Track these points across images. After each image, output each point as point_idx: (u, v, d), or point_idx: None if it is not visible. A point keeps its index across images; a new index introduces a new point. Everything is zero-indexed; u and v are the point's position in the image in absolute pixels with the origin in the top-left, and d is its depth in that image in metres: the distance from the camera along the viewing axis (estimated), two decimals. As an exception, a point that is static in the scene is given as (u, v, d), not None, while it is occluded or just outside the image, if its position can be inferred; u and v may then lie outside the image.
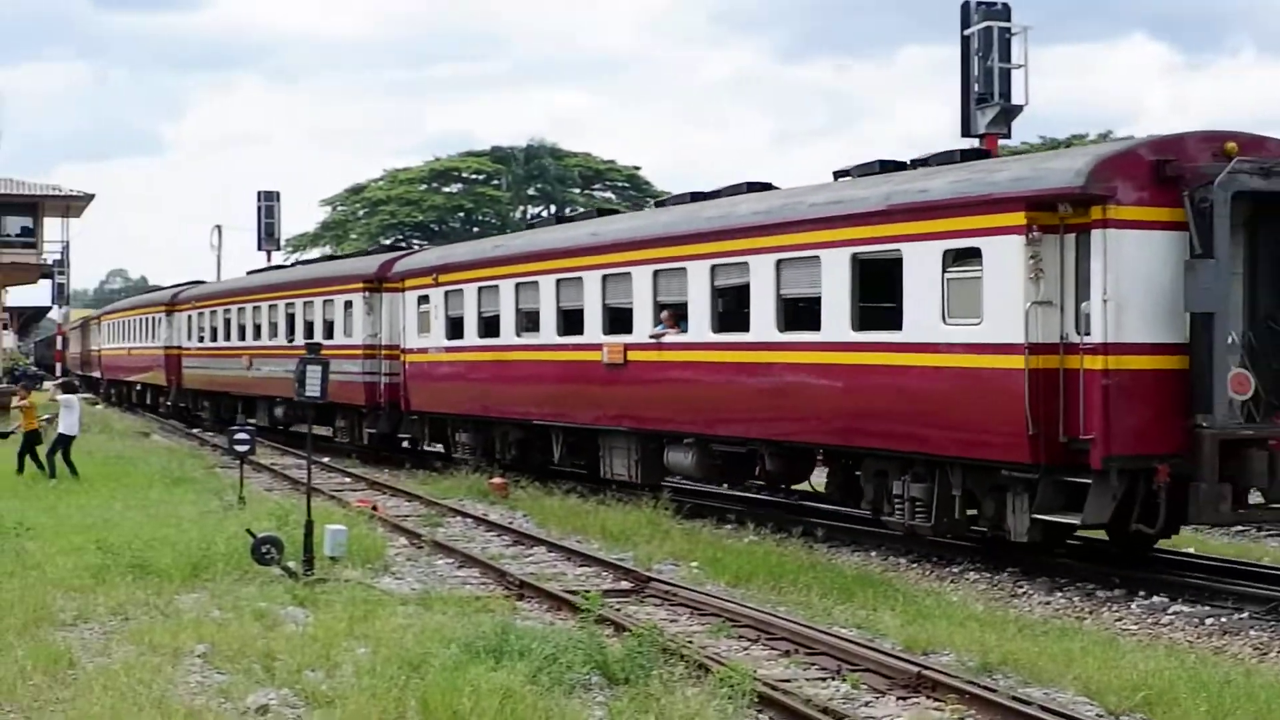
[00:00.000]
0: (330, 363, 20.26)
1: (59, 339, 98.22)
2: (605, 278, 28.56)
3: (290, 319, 45.73)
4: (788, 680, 13.87)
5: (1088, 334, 18.72)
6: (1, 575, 18.41)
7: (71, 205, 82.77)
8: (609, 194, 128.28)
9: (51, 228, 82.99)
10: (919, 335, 20.85)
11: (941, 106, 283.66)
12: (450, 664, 13.01)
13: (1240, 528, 25.32)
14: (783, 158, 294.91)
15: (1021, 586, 20.15)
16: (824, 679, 14.24)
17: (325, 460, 37.08)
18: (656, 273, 26.98)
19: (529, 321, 31.66)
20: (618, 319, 28.26)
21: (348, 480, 34.45)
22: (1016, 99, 30.62)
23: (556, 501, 28.15)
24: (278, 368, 44.26)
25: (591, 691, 13.25)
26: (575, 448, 30.86)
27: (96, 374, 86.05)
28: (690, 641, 15.18)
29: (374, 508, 27.46)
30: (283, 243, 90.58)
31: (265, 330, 48.41)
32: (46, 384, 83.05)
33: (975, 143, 31.79)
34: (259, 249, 77.52)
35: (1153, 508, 18.68)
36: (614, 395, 28.37)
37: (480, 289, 33.54)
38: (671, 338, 26.52)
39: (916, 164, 23.06)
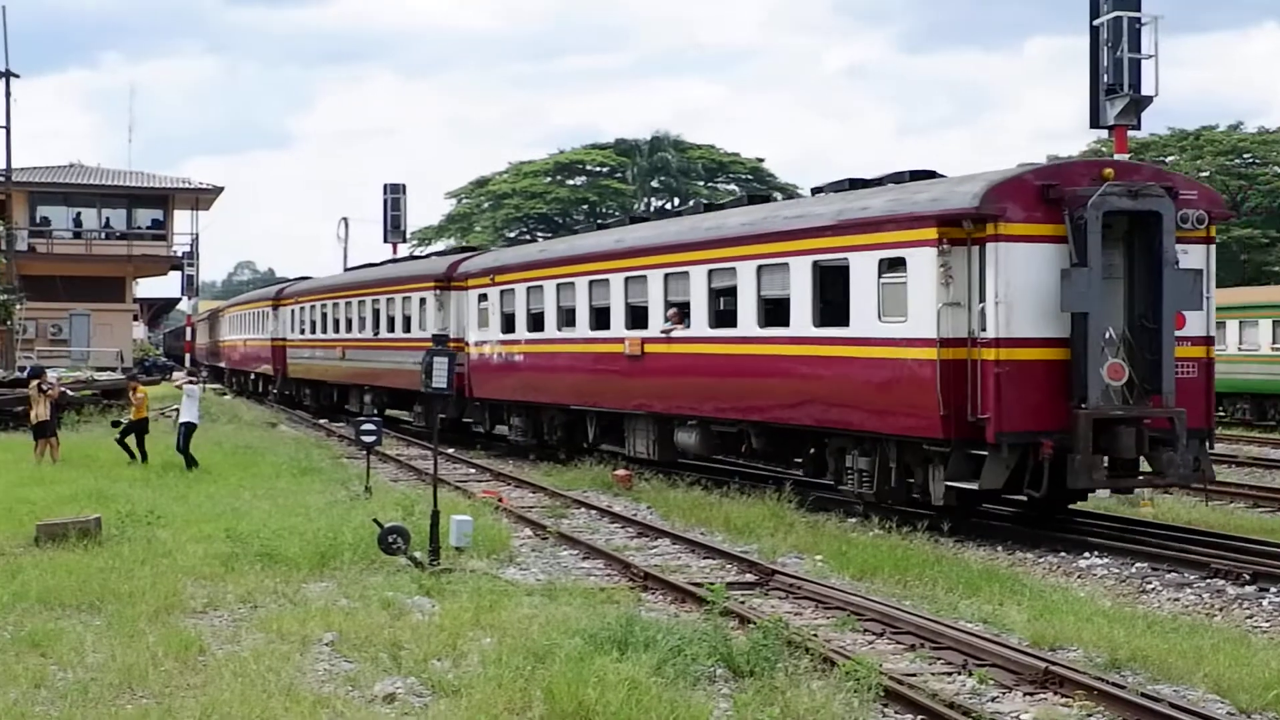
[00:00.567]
0: (456, 355, 20.47)
1: (188, 330, 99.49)
2: (627, 279, 32.23)
3: (376, 314, 49.74)
4: (913, 674, 13.83)
5: (984, 330, 22.25)
6: (133, 563, 18.72)
7: (201, 198, 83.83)
8: (732, 186, 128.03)
9: (181, 220, 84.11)
10: (862, 331, 24.48)
11: (1070, 98, 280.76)
12: (575, 655, 13.06)
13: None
14: (907, 149, 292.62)
15: (1150, 583, 19.94)
16: (950, 673, 14.18)
17: (450, 451, 37.33)
18: (666, 275, 30.58)
19: (568, 318, 35.21)
20: (637, 316, 31.83)
21: (472, 471, 34.66)
22: (1146, 90, 30.25)
23: (680, 494, 28.18)
24: (366, 358, 50.02)
25: (716, 684, 13.28)
26: (606, 430, 34.30)
27: (223, 364, 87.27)
28: (815, 635, 15.13)
29: (499, 499, 27.63)
30: (408, 235, 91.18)
31: (355, 323, 52.43)
32: (176, 375, 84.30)
33: (1105, 134, 31.74)
34: (385, 241, 78.15)
35: (1039, 475, 22.02)
36: (634, 383, 31.94)
37: (529, 288, 37.32)
38: (678, 333, 30.05)
39: (873, 183, 26.87)
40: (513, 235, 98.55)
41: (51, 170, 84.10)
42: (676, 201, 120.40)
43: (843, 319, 25.00)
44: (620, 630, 14.02)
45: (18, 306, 64.67)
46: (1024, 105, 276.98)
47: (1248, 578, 19.65)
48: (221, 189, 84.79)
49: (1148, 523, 24.52)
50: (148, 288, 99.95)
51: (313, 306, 59.85)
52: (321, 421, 52.52)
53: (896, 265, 23.62)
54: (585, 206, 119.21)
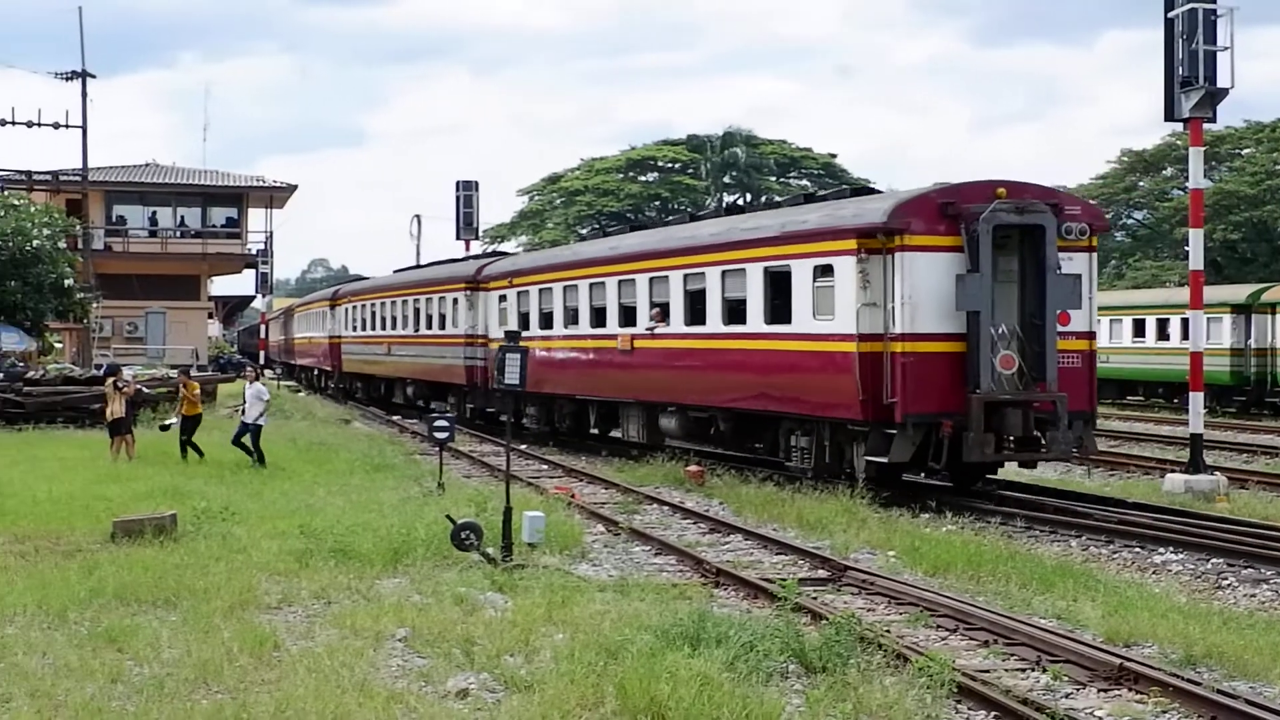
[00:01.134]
0: (528, 351, 20.58)
1: (261, 327, 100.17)
2: (620, 282, 35.84)
3: (416, 312, 53.71)
4: (987, 671, 13.77)
5: (894, 327, 25.76)
6: (209, 559, 18.88)
7: (275, 196, 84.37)
8: (805, 181, 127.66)
9: (255, 218, 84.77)
10: (801, 328, 28.03)
11: (1145, 91, 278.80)
12: (647, 651, 13.08)
13: None
14: (981, 143, 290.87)
15: (1226, 579, 19.79)
16: (1023, 670, 14.12)
17: (523, 447, 37.45)
18: (651, 279, 34.24)
19: (572, 317, 38.77)
20: (628, 315, 35.35)
21: (545, 468, 34.74)
22: (1222, 82, 29.88)
23: (752, 490, 28.16)
24: (407, 353, 54.48)
25: (788, 680, 13.27)
26: (605, 417, 38.49)
27: (294, 361, 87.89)
28: (888, 630, 15.11)
29: (571, 495, 27.69)
30: (481, 232, 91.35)
31: (399, 321, 56.45)
32: (249, 371, 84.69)
33: (1180, 127, 31.51)
34: (457, 238, 78.28)
35: (940, 450, 25.41)
36: (626, 375, 35.56)
37: (540, 290, 41.26)
38: (661, 330, 33.52)
39: (824, 198, 31.25)
40: (585, 232, 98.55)
41: (127, 170, 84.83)
42: (748, 197, 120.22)
43: (787, 318, 28.59)
44: (692, 626, 14.03)
45: (94, 305, 65.25)
46: (1098, 99, 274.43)
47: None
48: (295, 187, 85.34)
49: (1224, 518, 24.34)
50: (222, 286, 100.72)
51: (363, 306, 63.68)
52: (395, 418, 52.77)
53: (827, 271, 27.16)
54: (657, 203, 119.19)
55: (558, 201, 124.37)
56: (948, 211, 25.88)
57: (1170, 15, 29.98)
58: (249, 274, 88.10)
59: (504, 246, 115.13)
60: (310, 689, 12.23)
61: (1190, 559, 21.13)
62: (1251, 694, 12.80)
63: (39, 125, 65.02)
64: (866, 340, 25.96)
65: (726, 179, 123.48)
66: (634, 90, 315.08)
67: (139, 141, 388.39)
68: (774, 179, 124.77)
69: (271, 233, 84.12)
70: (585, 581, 18.26)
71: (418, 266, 65.39)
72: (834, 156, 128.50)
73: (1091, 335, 27.34)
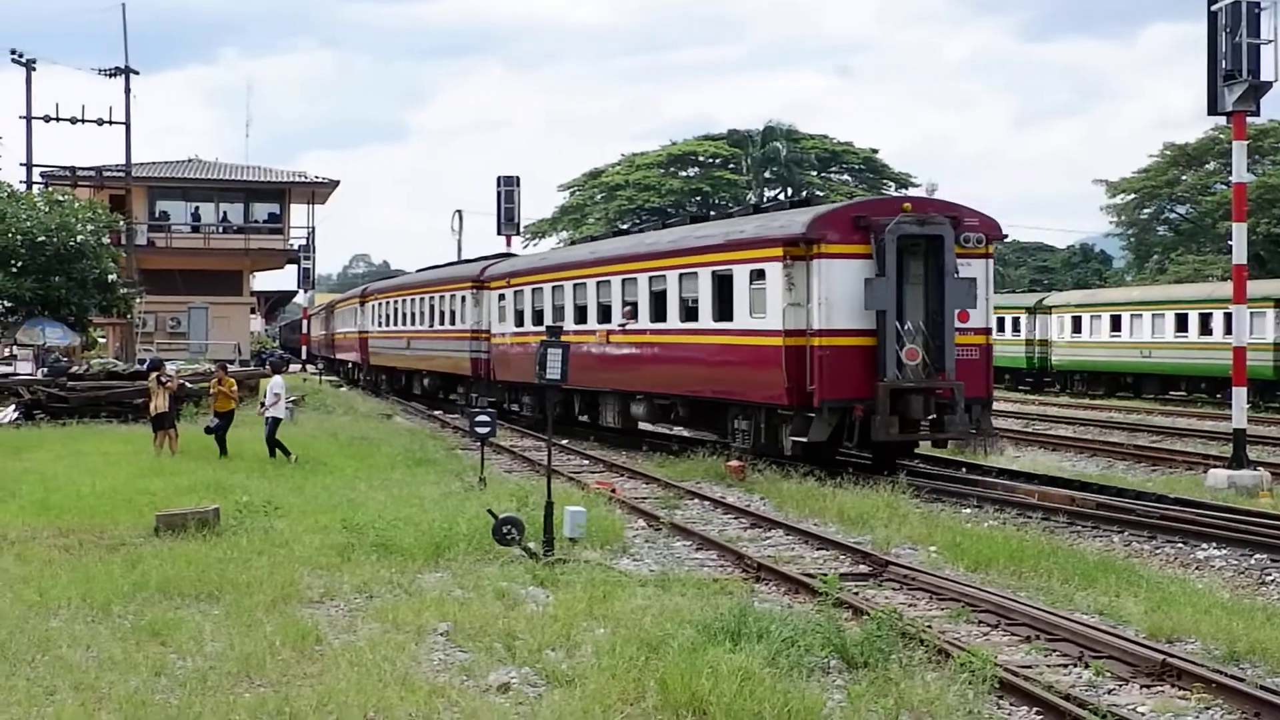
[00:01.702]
0: (569, 346, 20.64)
1: (303, 322, 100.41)
2: (598, 283, 39.40)
3: (431, 309, 57.28)
4: (1029, 667, 13.73)
5: (814, 324, 29.15)
6: (251, 553, 18.93)
7: (317, 191, 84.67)
8: (846, 176, 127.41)
9: (297, 214, 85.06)
10: (740, 325, 31.46)
11: (1188, 85, 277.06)
12: (689, 645, 13.09)
13: None
14: (1023, 139, 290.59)
15: (1270, 574, 19.67)
16: (1065, 666, 14.07)
17: (564, 443, 37.49)
18: (623, 280, 37.55)
19: (559, 314, 41.80)
20: (605, 312, 38.62)
21: (586, 463, 34.75)
22: (1266, 75, 29.68)
23: (793, 484, 28.13)
24: (424, 347, 58.46)
25: (830, 675, 13.25)
26: (588, 406, 41.38)
27: (336, 356, 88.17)
28: (929, 626, 15.09)
29: (612, 490, 27.70)
30: (522, 227, 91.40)
31: (416, 318, 60.15)
32: (294, 367, 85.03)
33: (1223, 120, 31.32)
34: (498, 233, 78.32)
35: (853, 431, 28.95)
36: (603, 367, 38.59)
37: (532, 290, 44.89)
38: (631, 326, 36.64)
39: (764, 210, 34.96)
40: (626, 227, 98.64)
41: (170, 165, 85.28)
42: (789, 192, 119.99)
43: (730, 316, 31.90)
44: (734, 621, 14.04)
45: (137, 300, 65.56)
46: (1142, 93, 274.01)
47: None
48: (337, 182, 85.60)
49: (1267, 514, 24.19)
50: (264, 281, 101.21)
51: (387, 303, 67.63)
52: (436, 413, 52.90)
53: (760, 275, 30.55)
54: (698, 198, 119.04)
55: (598, 197, 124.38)
56: (859, 224, 29.33)
57: (1214, 8, 29.81)
58: (291, 269, 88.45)
59: (545, 242, 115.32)
60: (352, 682, 12.27)
61: (1233, 554, 21.03)
62: (1296, 690, 12.73)
63: (83, 121, 65.46)
64: (791, 335, 29.46)
65: (767, 174, 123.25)
66: (675, 85, 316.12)
67: (182, 137, 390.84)
68: (815, 174, 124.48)
69: (313, 228, 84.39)
70: (626, 576, 18.27)
71: (435, 266, 68.19)
72: (875, 151, 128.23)
73: (988, 331, 31.06)
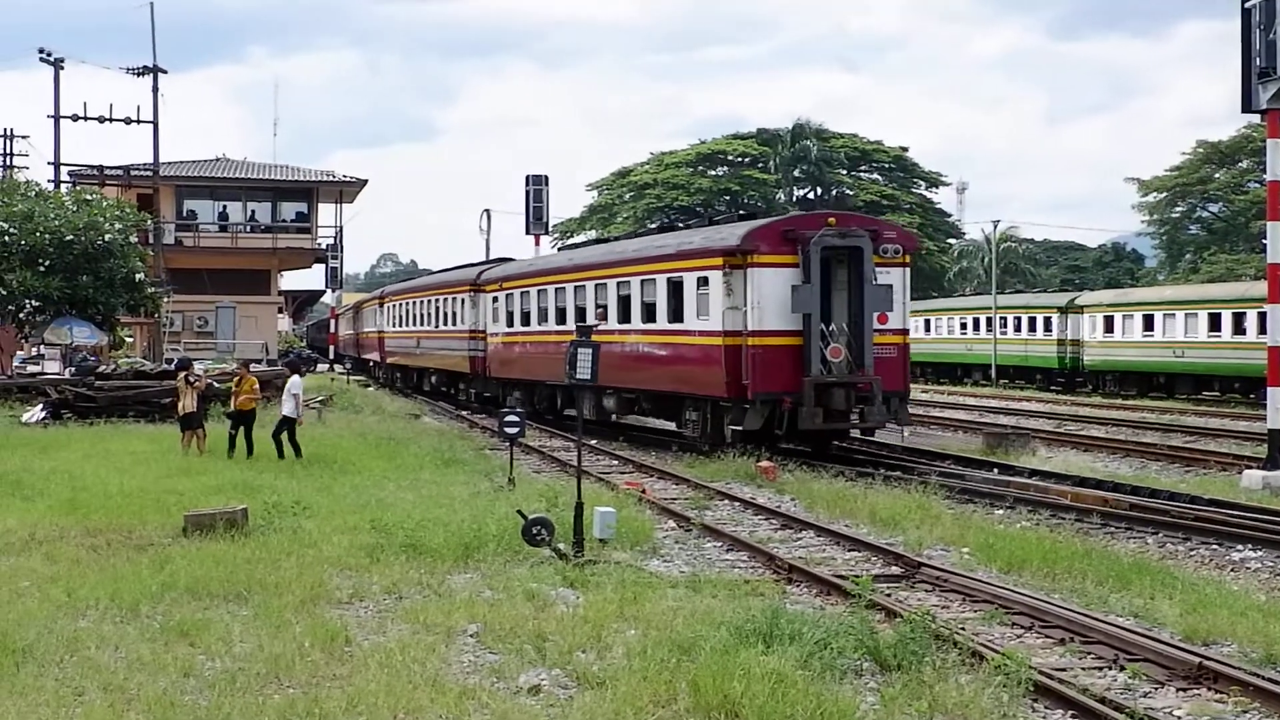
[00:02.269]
0: (599, 345, 20.65)
1: (331, 322, 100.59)
2: (575, 287, 43.47)
3: (436, 310, 61.35)
4: (1063, 669, 13.65)
5: (748, 326, 32.87)
6: (280, 553, 18.93)
7: (345, 190, 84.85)
8: (876, 175, 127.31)
9: (325, 213, 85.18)
10: (689, 326, 35.29)
11: (1221, 82, 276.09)
12: (720, 647, 13.05)
13: None
14: (1055, 137, 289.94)
15: (1309, 576, 19.58)
16: (1101, 668, 14.00)
17: (593, 443, 37.49)
18: (595, 285, 41.67)
19: (542, 315, 46.31)
20: (580, 314, 41.97)
21: (615, 463, 34.74)
22: (1301, 72, 29.59)
23: (824, 485, 28.09)
24: (430, 346, 62.88)
25: (863, 677, 13.21)
26: (568, 401, 44.51)
27: (363, 355, 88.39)
28: (963, 628, 15.03)
29: (642, 490, 27.66)
30: (550, 226, 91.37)
31: (424, 318, 64.20)
32: (321, 367, 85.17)
33: (1257, 118, 31.20)
34: (527, 233, 78.28)
35: (783, 421, 32.50)
36: None
37: (521, 293, 49.07)
38: (602, 327, 38.68)
39: (715, 222, 39.57)
40: (653, 226, 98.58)
41: (198, 164, 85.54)
42: (819, 191, 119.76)
43: (681, 318, 35.69)
44: (765, 623, 14.00)
45: (165, 299, 65.73)
46: (1174, 90, 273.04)
47: None
48: (365, 181, 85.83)
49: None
50: (292, 280, 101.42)
51: (400, 304, 71.74)
52: (464, 413, 52.99)
53: (705, 282, 34.29)
54: (727, 197, 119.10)
55: (627, 196, 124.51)
56: (788, 236, 33.21)
57: (1247, 5, 29.70)
58: (319, 268, 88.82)
59: (574, 240, 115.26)
60: (382, 684, 12.26)
61: (1269, 556, 20.93)
62: (1335, 694, 12.64)
63: (111, 120, 65.77)
64: (730, 336, 33.23)
65: (797, 173, 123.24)
66: (704, 83, 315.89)
67: (209, 136, 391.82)
68: (845, 172, 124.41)
69: (341, 227, 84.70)
70: (657, 577, 18.24)
71: (444, 270, 71.44)
72: (905, 150, 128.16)
73: (905, 332, 34.71)
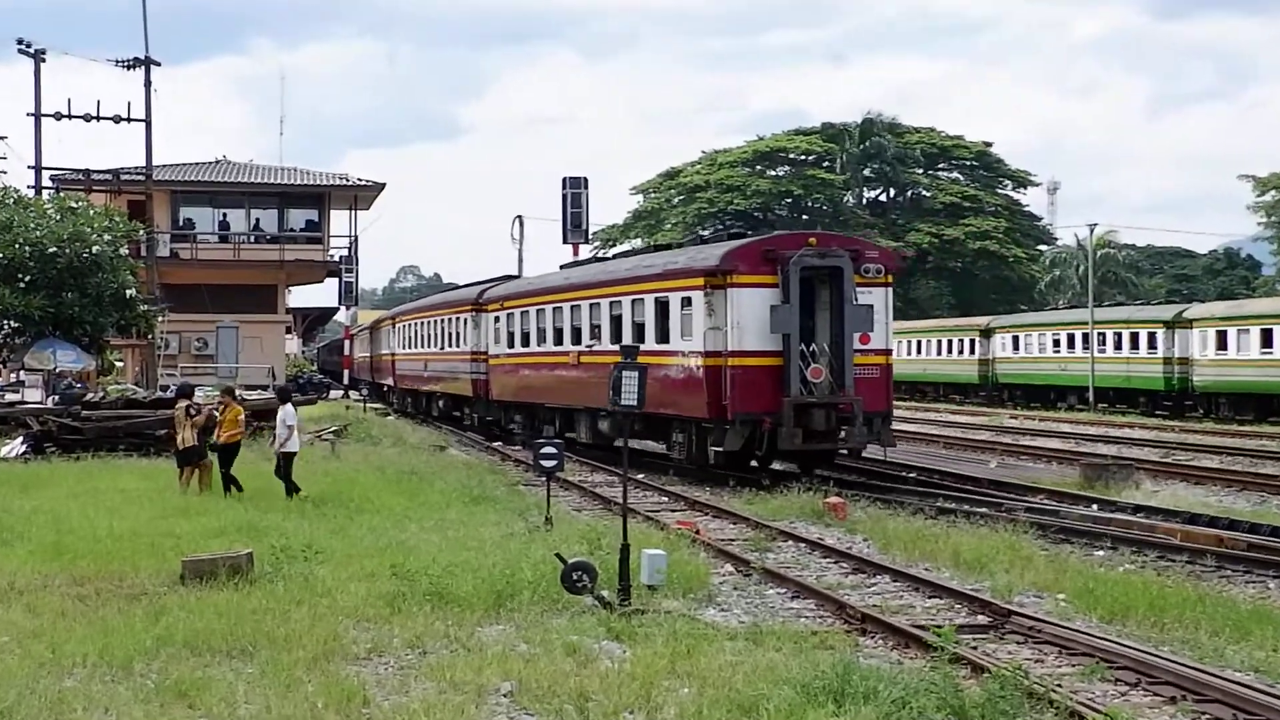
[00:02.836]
0: (645, 368, 20.69)
1: (345, 343, 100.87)
2: (571, 307, 46.60)
3: (442, 331, 65.21)
4: (1175, 732, 13.59)
5: (728, 346, 35.99)
6: (289, 603, 18.97)
7: (360, 196, 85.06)
8: (955, 174, 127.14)
9: (338, 221, 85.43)
10: (674, 346, 38.42)
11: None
12: (785, 707, 13.05)
13: None
14: (1159, 128, 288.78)
15: None
16: (1217, 731, 13.93)
17: (640, 477, 37.53)
18: (590, 305, 44.94)
19: (541, 336, 49.49)
20: (576, 334, 45.71)
21: (665, 499, 34.80)
22: None
23: (900, 523, 28.06)
24: (437, 369, 66.59)
25: (947, 741, 13.15)
26: (566, 423, 47.45)
27: (382, 380, 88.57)
28: (1059, 685, 14.98)
29: (696, 530, 27.66)
30: (590, 234, 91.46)
31: (430, 340, 68.22)
32: (334, 394, 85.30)
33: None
34: (564, 241, 78.23)
35: (763, 441, 35.70)
36: (576, 386, 45.53)
37: (521, 313, 52.23)
38: (595, 347, 43.10)
39: (704, 241, 43.38)
40: (706, 233, 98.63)
41: (196, 167, 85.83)
42: (891, 192, 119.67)
43: (667, 338, 38.91)
44: (836, 679, 13.99)
45: (159, 318, 65.88)
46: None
47: None
48: (383, 185, 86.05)
49: None
50: (301, 297, 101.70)
51: (407, 326, 75.81)
52: (495, 445, 53.11)
53: (688, 302, 37.54)
54: (789, 200, 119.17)
55: (676, 199, 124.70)
56: (768, 256, 36.32)
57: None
58: (331, 283, 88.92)
59: (617, 249, 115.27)
60: (404, 750, 12.25)
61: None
62: None
63: (98, 119, 66.03)
64: (711, 356, 36.32)
65: (867, 172, 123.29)
66: (762, 73, 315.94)
67: (209, 136, 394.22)
68: (921, 171, 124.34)
69: (356, 237, 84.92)
70: (713, 628, 18.23)
71: (449, 288, 76.62)
72: (989, 145, 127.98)
73: (888, 352, 37.94)
